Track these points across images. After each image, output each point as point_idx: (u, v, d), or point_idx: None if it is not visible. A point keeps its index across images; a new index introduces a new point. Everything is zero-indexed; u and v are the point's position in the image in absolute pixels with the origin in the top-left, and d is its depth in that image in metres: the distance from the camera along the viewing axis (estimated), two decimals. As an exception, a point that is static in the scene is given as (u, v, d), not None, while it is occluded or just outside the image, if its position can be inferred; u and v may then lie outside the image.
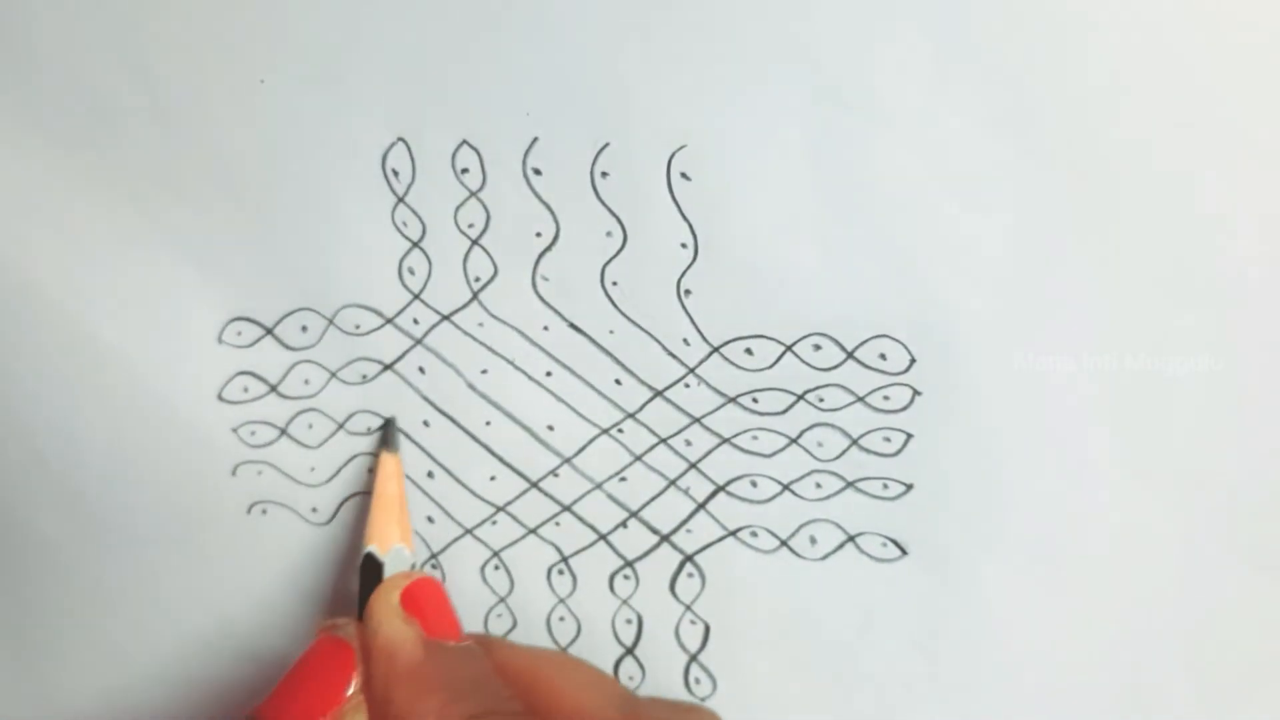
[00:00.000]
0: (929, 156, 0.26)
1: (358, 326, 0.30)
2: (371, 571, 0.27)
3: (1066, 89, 0.25)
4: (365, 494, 0.31)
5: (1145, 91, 0.25)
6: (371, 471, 0.31)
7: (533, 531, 0.30)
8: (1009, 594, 0.29)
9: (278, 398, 0.30)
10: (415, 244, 0.28)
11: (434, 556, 0.31)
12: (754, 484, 0.29)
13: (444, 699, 0.22)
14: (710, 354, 0.28)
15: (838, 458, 0.29)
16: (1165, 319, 0.26)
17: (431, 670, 0.23)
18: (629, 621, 0.30)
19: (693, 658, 0.30)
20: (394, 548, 0.27)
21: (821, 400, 0.28)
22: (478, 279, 0.29)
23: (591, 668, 0.26)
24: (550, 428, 0.30)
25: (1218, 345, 0.26)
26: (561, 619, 0.30)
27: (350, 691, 0.23)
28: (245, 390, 0.30)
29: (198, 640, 0.31)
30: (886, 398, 0.28)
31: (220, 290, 0.29)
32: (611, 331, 0.28)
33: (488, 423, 0.30)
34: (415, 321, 0.29)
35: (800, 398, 0.28)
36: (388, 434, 0.29)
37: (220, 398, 0.30)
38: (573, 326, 0.29)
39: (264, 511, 0.31)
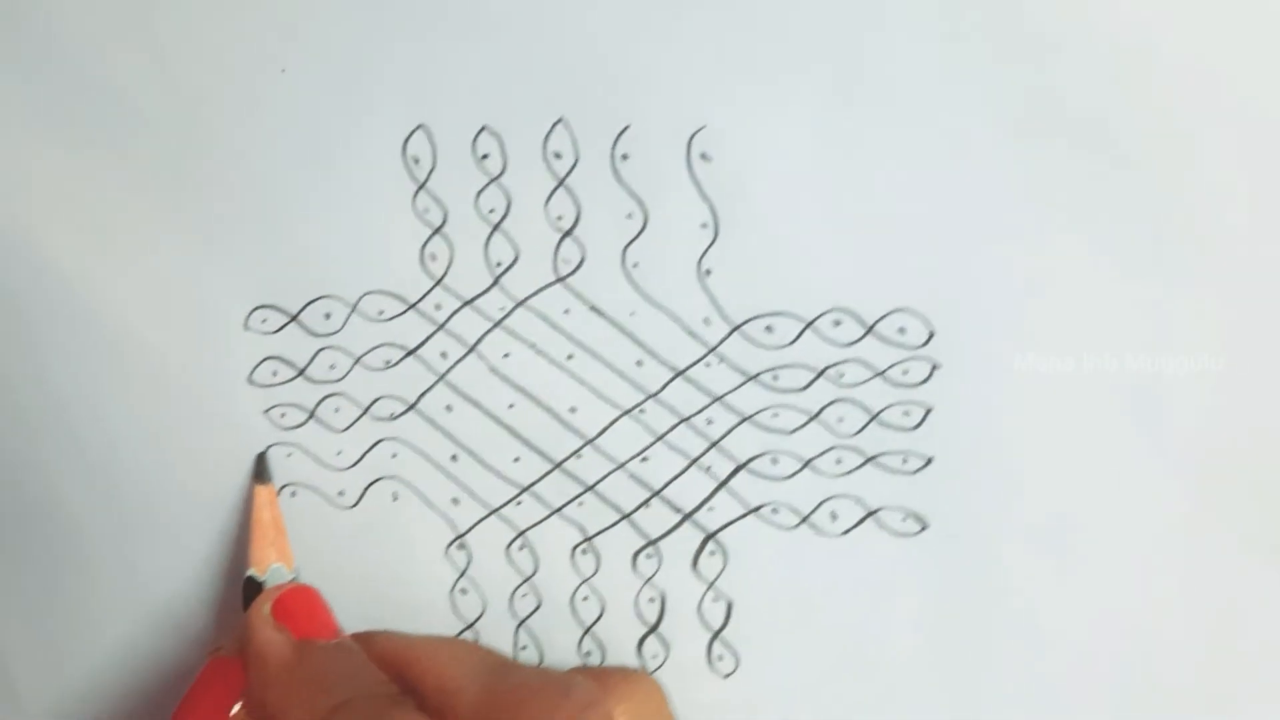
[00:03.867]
0: (940, 140, 0.26)
1: (381, 313, 0.30)
2: (253, 592, 0.29)
3: (1072, 83, 0.25)
4: (390, 478, 0.31)
5: (1149, 90, 0.25)
6: (395, 458, 0.31)
7: (556, 511, 0.31)
8: (1027, 567, 0.29)
9: (305, 382, 0.31)
10: (436, 230, 0.29)
11: (460, 537, 0.31)
12: (775, 461, 0.30)
13: (312, 692, 0.23)
14: (731, 333, 0.29)
15: (858, 433, 0.29)
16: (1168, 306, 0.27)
17: (301, 669, 0.24)
18: (652, 600, 0.31)
19: (715, 635, 0.30)
20: (272, 567, 0.29)
21: (841, 376, 0.29)
22: (499, 264, 0.29)
23: (462, 642, 0.27)
24: (573, 409, 0.30)
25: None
26: (585, 598, 0.31)
27: (236, 710, 0.25)
28: (274, 374, 0.31)
29: (229, 622, 0.32)
30: (906, 372, 0.28)
31: (244, 278, 0.30)
32: (632, 313, 0.29)
33: (511, 405, 0.30)
34: (437, 307, 0.30)
35: (820, 374, 0.29)
36: (260, 467, 0.31)
37: (250, 381, 0.31)
38: (594, 309, 0.29)
39: (294, 494, 0.31)
